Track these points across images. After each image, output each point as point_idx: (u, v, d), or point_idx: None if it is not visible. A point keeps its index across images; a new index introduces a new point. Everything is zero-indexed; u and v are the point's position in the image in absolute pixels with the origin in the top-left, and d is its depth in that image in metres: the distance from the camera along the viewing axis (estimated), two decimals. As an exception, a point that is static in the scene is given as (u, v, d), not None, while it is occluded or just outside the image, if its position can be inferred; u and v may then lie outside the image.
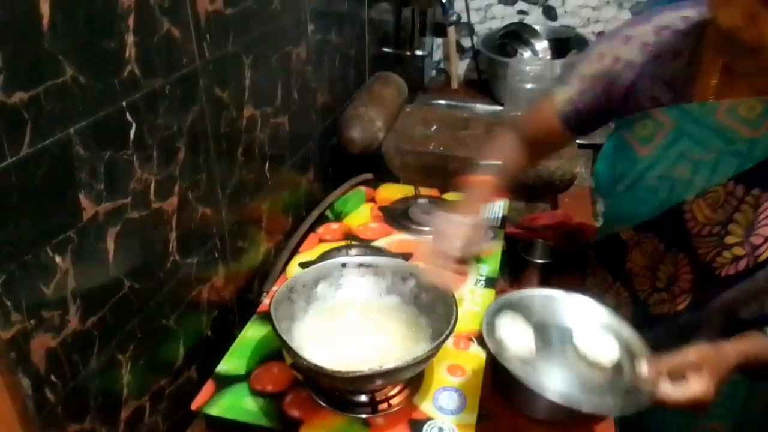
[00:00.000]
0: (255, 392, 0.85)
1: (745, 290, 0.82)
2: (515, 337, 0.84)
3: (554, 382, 0.78)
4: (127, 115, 0.68)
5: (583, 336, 0.86)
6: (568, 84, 0.94)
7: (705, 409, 0.76)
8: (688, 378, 0.74)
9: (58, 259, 0.61)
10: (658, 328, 0.87)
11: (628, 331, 0.84)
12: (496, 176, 0.97)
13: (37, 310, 0.60)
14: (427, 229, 1.21)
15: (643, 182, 0.87)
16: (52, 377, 0.63)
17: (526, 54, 1.95)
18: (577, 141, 1.46)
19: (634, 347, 0.82)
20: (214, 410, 0.83)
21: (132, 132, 0.70)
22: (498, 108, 1.98)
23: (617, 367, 0.81)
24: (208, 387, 0.86)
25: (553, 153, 1.07)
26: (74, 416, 0.67)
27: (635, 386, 0.76)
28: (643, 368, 0.77)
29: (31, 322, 0.59)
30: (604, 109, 0.92)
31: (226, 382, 0.87)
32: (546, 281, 1.14)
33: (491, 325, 0.94)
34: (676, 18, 0.84)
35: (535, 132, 1.00)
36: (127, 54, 0.67)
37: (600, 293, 0.98)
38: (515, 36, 2.01)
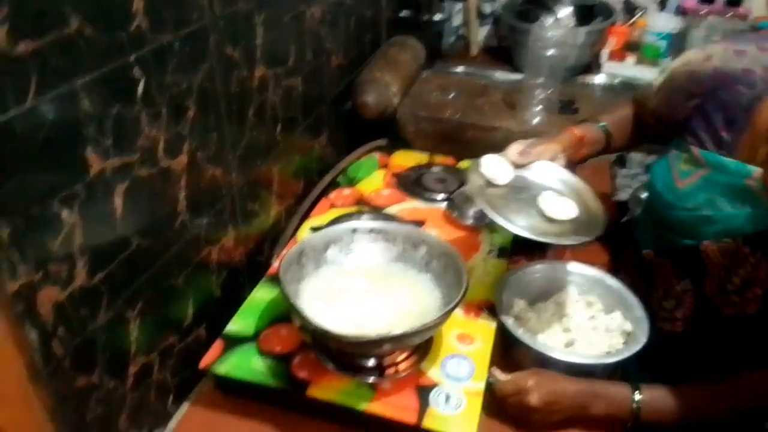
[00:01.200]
0: (263, 353, 0.86)
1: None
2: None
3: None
4: (135, 70, 0.67)
5: (550, 196, 0.91)
6: (653, 89, 0.99)
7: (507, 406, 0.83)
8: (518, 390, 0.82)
9: (65, 213, 0.61)
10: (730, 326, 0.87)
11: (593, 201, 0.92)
12: (597, 131, 1.03)
13: (44, 263, 0.60)
14: (439, 197, 1.19)
15: (675, 212, 0.89)
16: (60, 330, 0.63)
17: (549, 20, 1.89)
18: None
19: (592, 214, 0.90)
20: (222, 369, 0.83)
21: (140, 88, 0.69)
22: (518, 76, 1.93)
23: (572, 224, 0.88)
24: (217, 346, 0.86)
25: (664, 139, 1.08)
26: (82, 369, 0.68)
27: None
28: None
29: (38, 275, 0.59)
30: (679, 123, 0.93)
31: (234, 342, 0.87)
32: (560, 254, 1.12)
33: (503, 296, 0.94)
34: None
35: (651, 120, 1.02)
36: (134, 7, 0.65)
37: (664, 290, 0.96)
38: (538, 2, 1.95)
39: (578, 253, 1.15)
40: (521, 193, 0.92)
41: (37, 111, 0.56)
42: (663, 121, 0.97)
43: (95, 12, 0.60)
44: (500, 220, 0.83)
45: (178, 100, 0.76)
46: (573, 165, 1.03)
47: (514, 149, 0.94)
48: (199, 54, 0.79)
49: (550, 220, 0.88)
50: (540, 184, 0.94)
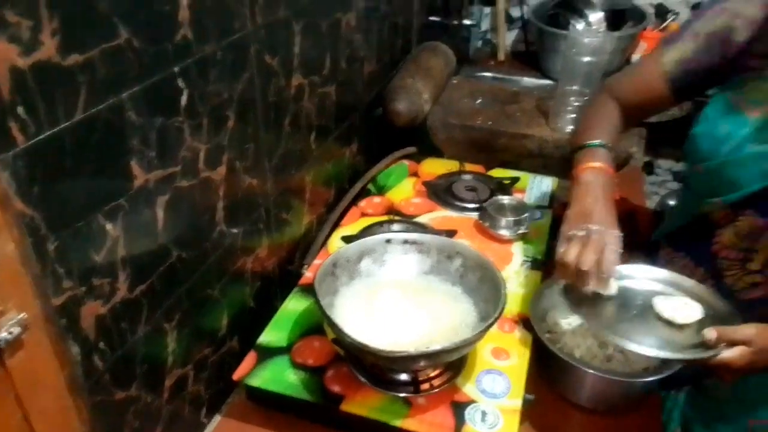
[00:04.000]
0: (296, 365, 0.85)
1: None
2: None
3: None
4: (179, 80, 0.67)
5: (665, 301, 0.84)
6: (680, 41, 0.88)
7: (732, 377, 0.76)
8: (735, 347, 0.74)
9: (109, 226, 0.60)
10: (748, 314, 0.81)
11: (709, 295, 0.84)
12: (607, 158, 0.89)
13: (87, 277, 0.59)
14: (470, 206, 1.18)
15: (751, 146, 0.80)
16: (101, 344, 0.63)
17: (579, 25, 1.87)
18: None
19: (719, 309, 0.82)
20: (256, 381, 0.83)
21: (183, 99, 0.68)
22: (548, 82, 1.91)
23: (700, 328, 0.79)
24: (250, 358, 0.85)
25: (645, 118, 1.01)
26: (121, 383, 0.67)
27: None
28: (707, 333, 0.76)
29: (82, 288, 0.59)
30: (716, 70, 0.86)
31: (267, 353, 0.86)
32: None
33: (538, 309, 0.92)
34: None
35: (638, 96, 0.94)
36: (180, 17, 0.65)
37: None
38: (568, 6, 1.93)
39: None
40: (629, 304, 0.84)
41: (86, 123, 0.55)
42: (693, 75, 0.88)
43: (143, 23, 0.59)
44: (635, 347, 0.76)
45: (219, 110, 0.76)
46: None
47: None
48: (240, 64, 0.78)
49: (678, 326, 0.80)
50: (643, 289, 0.87)
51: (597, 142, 0.91)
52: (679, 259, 0.96)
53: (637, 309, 0.84)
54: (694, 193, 0.93)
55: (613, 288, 0.83)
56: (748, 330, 0.75)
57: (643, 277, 0.90)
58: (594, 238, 0.80)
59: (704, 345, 0.76)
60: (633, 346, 0.76)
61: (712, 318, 0.81)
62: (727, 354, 0.74)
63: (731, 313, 0.81)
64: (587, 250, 0.80)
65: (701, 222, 0.91)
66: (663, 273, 0.90)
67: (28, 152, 0.50)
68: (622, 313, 0.83)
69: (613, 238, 0.81)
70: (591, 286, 0.81)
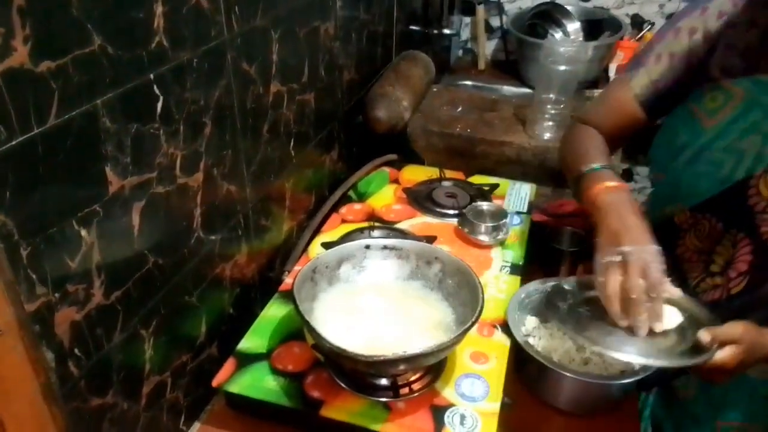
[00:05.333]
0: (276, 371, 0.85)
1: None
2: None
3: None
4: (155, 87, 0.67)
5: None
6: (645, 66, 0.91)
7: (725, 377, 0.76)
8: (725, 347, 0.74)
9: (83, 232, 0.60)
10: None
11: (686, 300, 0.83)
12: (617, 179, 0.87)
13: (61, 283, 0.59)
14: (450, 212, 1.19)
15: (706, 155, 0.83)
16: (76, 351, 0.62)
17: (557, 35, 1.90)
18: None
19: (697, 315, 0.81)
20: (235, 388, 0.82)
21: (159, 105, 0.68)
22: (526, 90, 1.94)
23: (681, 333, 0.78)
24: (229, 364, 0.85)
25: (626, 142, 1.03)
26: (97, 390, 0.67)
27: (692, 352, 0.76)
28: (702, 336, 0.75)
29: (56, 295, 0.58)
30: (684, 83, 0.89)
31: (247, 360, 0.86)
32: (572, 269, 1.12)
33: (516, 313, 0.93)
34: None
35: (615, 123, 0.97)
36: (155, 24, 0.65)
37: None
38: (546, 16, 1.96)
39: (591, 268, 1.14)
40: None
41: (59, 130, 0.55)
42: (663, 95, 0.91)
43: (117, 30, 0.60)
44: (615, 354, 0.75)
45: (196, 117, 0.76)
46: None
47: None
48: (216, 71, 0.79)
49: (655, 334, 0.77)
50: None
51: (598, 165, 0.88)
52: None
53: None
54: (659, 198, 0.95)
55: (672, 319, 0.78)
56: (735, 328, 0.75)
57: None
58: (632, 260, 0.75)
59: (694, 348, 0.75)
60: (631, 358, 0.74)
61: (689, 321, 0.81)
62: (720, 355, 0.74)
63: (708, 316, 0.81)
64: (629, 276, 0.75)
65: (667, 226, 0.92)
66: None
67: (0, 158, 0.50)
68: (599, 320, 0.81)
69: (651, 256, 0.75)
70: (644, 318, 0.75)
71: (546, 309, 0.85)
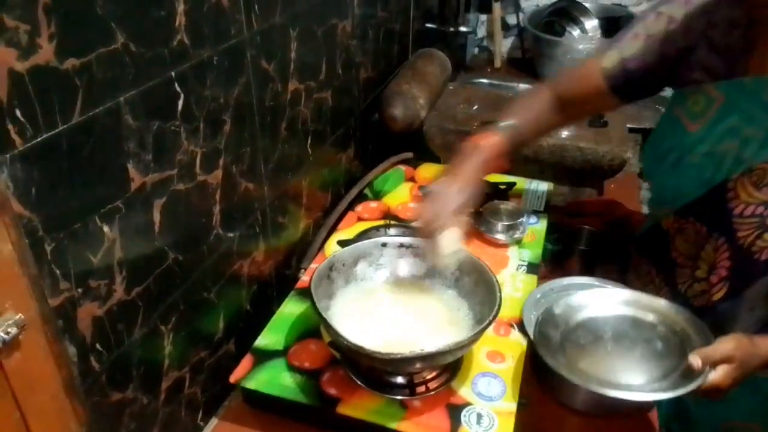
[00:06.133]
0: (292, 368, 0.85)
1: None
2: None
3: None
4: (176, 85, 0.67)
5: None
6: (620, 41, 0.90)
7: (721, 395, 0.75)
8: (718, 368, 0.74)
9: (105, 228, 0.61)
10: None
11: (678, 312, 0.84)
12: (504, 137, 0.91)
13: (84, 278, 0.60)
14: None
15: (689, 158, 0.84)
16: (98, 346, 0.63)
17: (575, 32, 1.88)
18: (627, 125, 1.41)
19: (688, 331, 0.82)
20: (252, 384, 0.83)
21: (180, 103, 0.69)
22: (542, 88, 1.92)
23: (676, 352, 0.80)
24: (247, 361, 0.86)
25: (589, 115, 1.02)
26: (117, 385, 0.68)
27: (685, 375, 0.76)
28: (692, 361, 0.75)
29: (79, 290, 0.59)
30: (654, 73, 0.88)
31: (264, 356, 0.87)
32: (589, 270, 1.11)
33: (533, 313, 0.93)
34: None
35: (575, 90, 0.96)
36: (177, 22, 0.66)
37: (641, 287, 0.95)
38: (563, 13, 1.94)
39: (609, 270, 1.14)
40: (602, 335, 0.86)
41: (83, 127, 0.56)
42: (632, 76, 0.90)
43: (140, 28, 0.60)
44: (609, 393, 0.76)
45: (216, 115, 0.76)
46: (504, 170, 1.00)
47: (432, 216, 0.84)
48: (236, 68, 0.79)
49: (658, 349, 0.82)
50: (611, 315, 0.88)
51: (501, 122, 0.94)
52: (643, 265, 0.99)
53: (611, 341, 0.85)
54: (651, 204, 0.95)
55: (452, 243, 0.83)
56: (725, 345, 0.75)
57: (609, 302, 0.90)
58: (434, 193, 0.86)
59: (687, 372, 0.76)
60: (624, 395, 0.75)
61: (682, 336, 0.81)
62: (713, 377, 0.74)
63: (700, 329, 0.81)
64: (428, 204, 0.84)
65: (658, 230, 0.93)
66: (626, 294, 0.90)
67: (26, 155, 0.51)
68: (593, 343, 0.84)
69: (449, 194, 0.85)
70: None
71: (539, 342, 0.84)
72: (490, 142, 0.91)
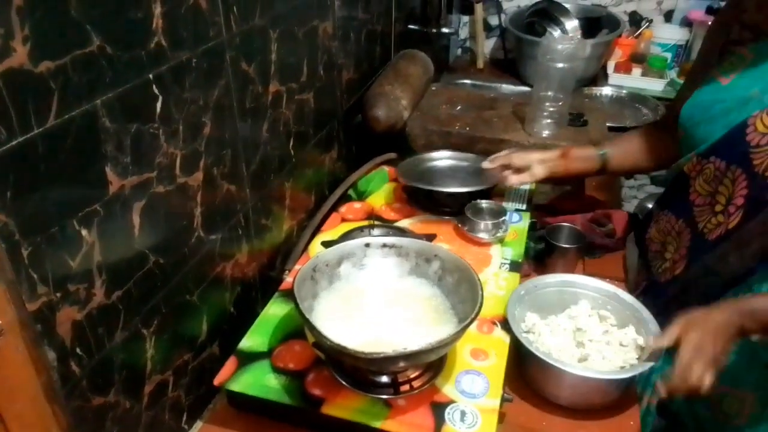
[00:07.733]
0: (277, 369, 0.85)
1: None
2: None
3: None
4: (154, 87, 0.67)
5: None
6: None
7: (711, 365, 0.78)
8: (680, 348, 0.79)
9: (84, 232, 0.61)
10: (710, 255, 0.91)
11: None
12: (596, 153, 1.13)
13: (63, 282, 0.59)
14: (450, 210, 1.19)
15: (719, 104, 0.93)
16: (78, 350, 0.63)
17: (556, 33, 1.90)
18: (607, 123, 1.43)
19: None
20: (236, 386, 0.83)
21: (158, 105, 0.69)
22: (525, 88, 1.94)
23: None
24: (231, 363, 0.86)
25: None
26: (99, 389, 0.67)
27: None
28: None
29: (57, 294, 0.59)
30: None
31: (248, 358, 0.87)
32: (572, 266, 1.12)
33: (516, 310, 0.94)
34: None
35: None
36: (154, 24, 0.66)
37: (661, 241, 1.03)
38: (544, 14, 1.96)
39: (590, 267, 1.15)
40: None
41: (59, 130, 0.55)
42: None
43: (116, 30, 0.60)
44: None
45: (195, 117, 0.76)
46: (566, 178, 1.15)
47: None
48: (215, 70, 0.79)
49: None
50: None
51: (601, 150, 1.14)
52: (663, 216, 1.04)
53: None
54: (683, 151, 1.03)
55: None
56: (673, 328, 0.82)
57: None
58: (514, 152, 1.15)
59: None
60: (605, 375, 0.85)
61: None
62: (677, 362, 0.79)
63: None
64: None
65: (679, 179, 1.00)
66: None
67: (1, 158, 0.50)
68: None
69: (529, 155, 1.13)
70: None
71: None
72: (579, 147, 1.14)
